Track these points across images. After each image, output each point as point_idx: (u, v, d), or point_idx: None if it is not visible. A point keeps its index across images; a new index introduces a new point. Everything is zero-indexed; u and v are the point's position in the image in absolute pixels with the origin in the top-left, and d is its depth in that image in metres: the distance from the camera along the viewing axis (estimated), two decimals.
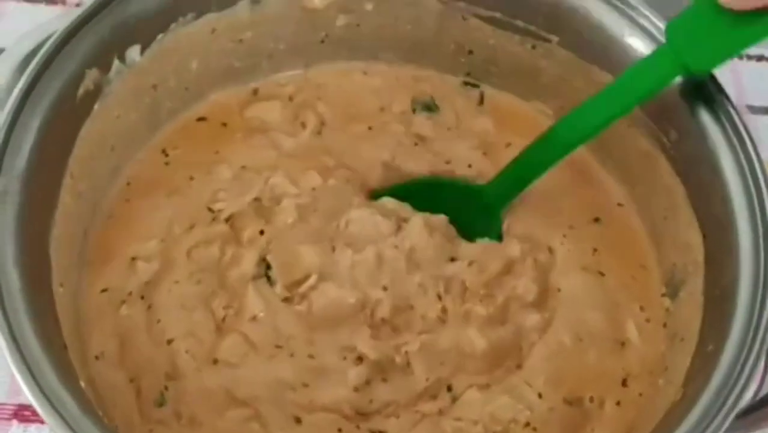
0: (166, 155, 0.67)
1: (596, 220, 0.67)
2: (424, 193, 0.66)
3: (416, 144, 0.69)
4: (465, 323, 0.60)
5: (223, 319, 0.59)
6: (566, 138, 0.60)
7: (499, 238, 0.65)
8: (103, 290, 0.61)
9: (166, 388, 0.57)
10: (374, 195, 0.66)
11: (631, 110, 0.59)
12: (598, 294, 0.63)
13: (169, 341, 0.59)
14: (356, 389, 0.57)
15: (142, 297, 0.60)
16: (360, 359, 0.58)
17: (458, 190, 0.67)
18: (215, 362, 0.58)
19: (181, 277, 0.61)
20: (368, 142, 0.69)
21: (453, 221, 0.65)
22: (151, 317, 0.59)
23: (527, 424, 0.57)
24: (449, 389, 0.59)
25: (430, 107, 0.71)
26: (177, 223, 0.63)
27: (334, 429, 0.56)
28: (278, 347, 0.59)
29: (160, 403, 0.57)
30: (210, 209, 0.64)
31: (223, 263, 0.61)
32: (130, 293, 0.60)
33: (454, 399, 0.58)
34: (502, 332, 0.60)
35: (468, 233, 0.64)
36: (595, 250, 0.66)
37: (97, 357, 0.58)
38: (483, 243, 0.64)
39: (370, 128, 0.69)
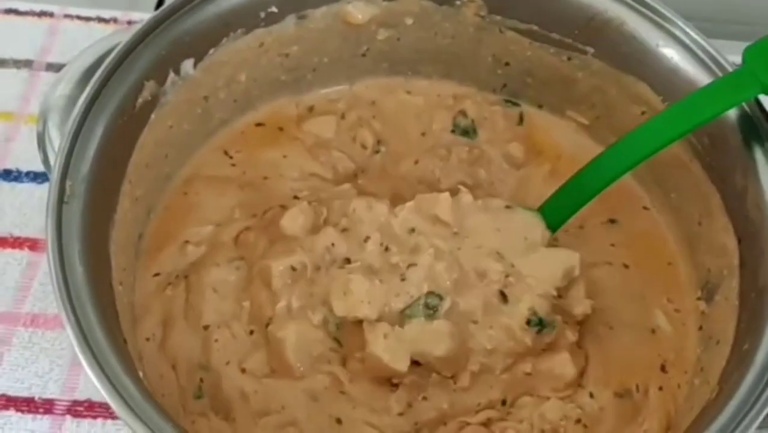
0: (230, 157, 0.69)
1: (612, 221, 0.68)
2: None
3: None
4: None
5: (251, 333, 0.60)
6: (624, 158, 0.60)
7: None
8: (155, 274, 0.62)
9: (201, 380, 0.58)
10: None
11: (694, 131, 0.60)
12: (624, 284, 0.65)
13: (205, 327, 0.60)
14: (401, 414, 0.57)
15: (186, 277, 0.62)
16: (395, 385, 0.58)
17: None
18: (243, 371, 0.58)
19: (221, 261, 0.62)
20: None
21: None
22: (189, 299, 0.61)
23: (578, 420, 0.58)
24: (503, 402, 0.59)
25: (468, 132, 0.73)
26: (240, 208, 0.64)
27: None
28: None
29: (198, 395, 0.58)
30: (296, 197, 0.65)
31: (256, 253, 0.61)
32: (177, 276, 0.62)
33: (508, 405, 0.59)
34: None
35: None
36: (612, 245, 0.67)
37: (147, 340, 0.59)
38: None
39: (416, 162, 0.71)
